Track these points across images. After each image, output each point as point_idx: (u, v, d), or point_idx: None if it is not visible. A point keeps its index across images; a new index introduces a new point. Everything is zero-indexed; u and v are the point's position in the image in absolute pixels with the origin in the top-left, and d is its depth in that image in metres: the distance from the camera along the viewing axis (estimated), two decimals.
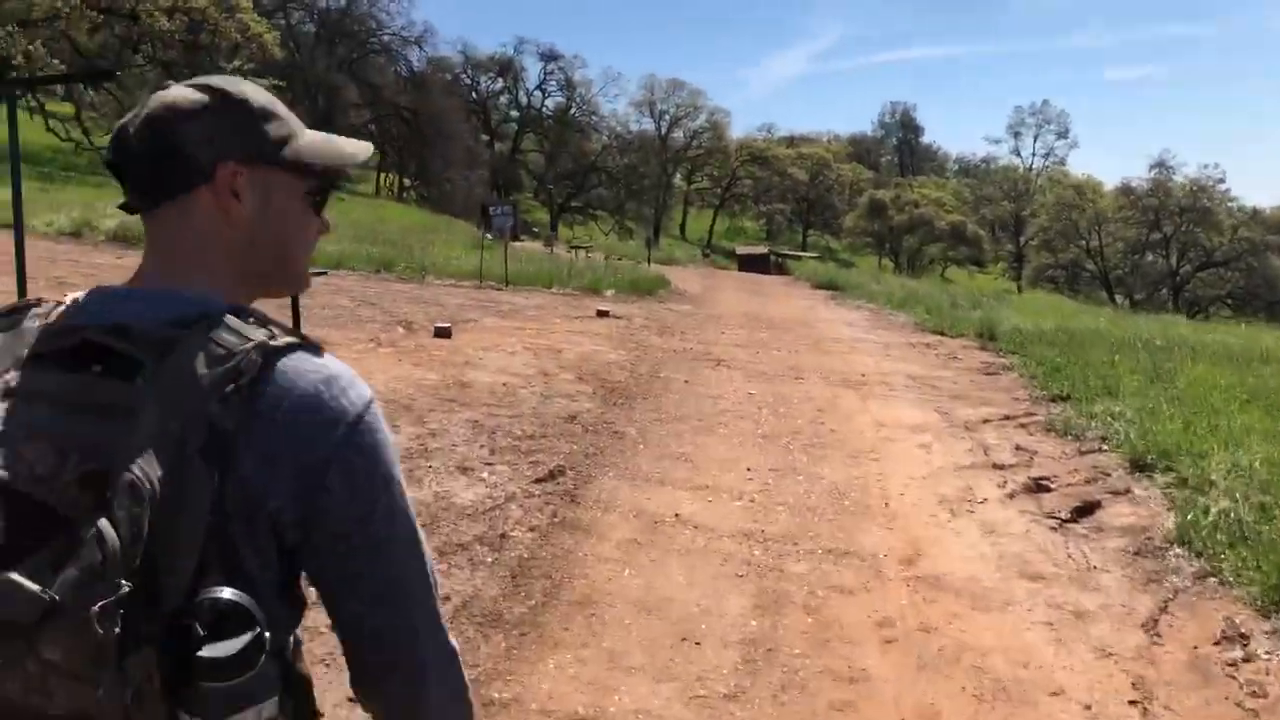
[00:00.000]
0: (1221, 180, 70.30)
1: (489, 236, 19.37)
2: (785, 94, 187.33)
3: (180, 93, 1.11)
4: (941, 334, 15.89)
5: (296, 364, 1.03)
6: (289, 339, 1.04)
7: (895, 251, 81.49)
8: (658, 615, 4.68)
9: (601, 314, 14.50)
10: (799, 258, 63.25)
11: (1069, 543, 6.00)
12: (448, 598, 4.53)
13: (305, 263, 1.24)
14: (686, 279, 29.69)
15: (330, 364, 1.07)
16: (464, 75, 72.90)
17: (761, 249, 65.04)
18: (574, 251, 32.62)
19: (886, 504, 6.61)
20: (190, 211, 1.11)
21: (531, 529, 5.59)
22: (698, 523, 5.98)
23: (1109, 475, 7.51)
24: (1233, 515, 6.32)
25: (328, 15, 57.49)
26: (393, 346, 10.04)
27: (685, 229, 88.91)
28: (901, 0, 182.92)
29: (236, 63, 40.56)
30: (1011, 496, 6.89)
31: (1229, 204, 71.58)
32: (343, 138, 1.24)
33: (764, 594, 5.02)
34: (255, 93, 1.15)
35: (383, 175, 65.00)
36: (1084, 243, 75.57)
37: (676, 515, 6.07)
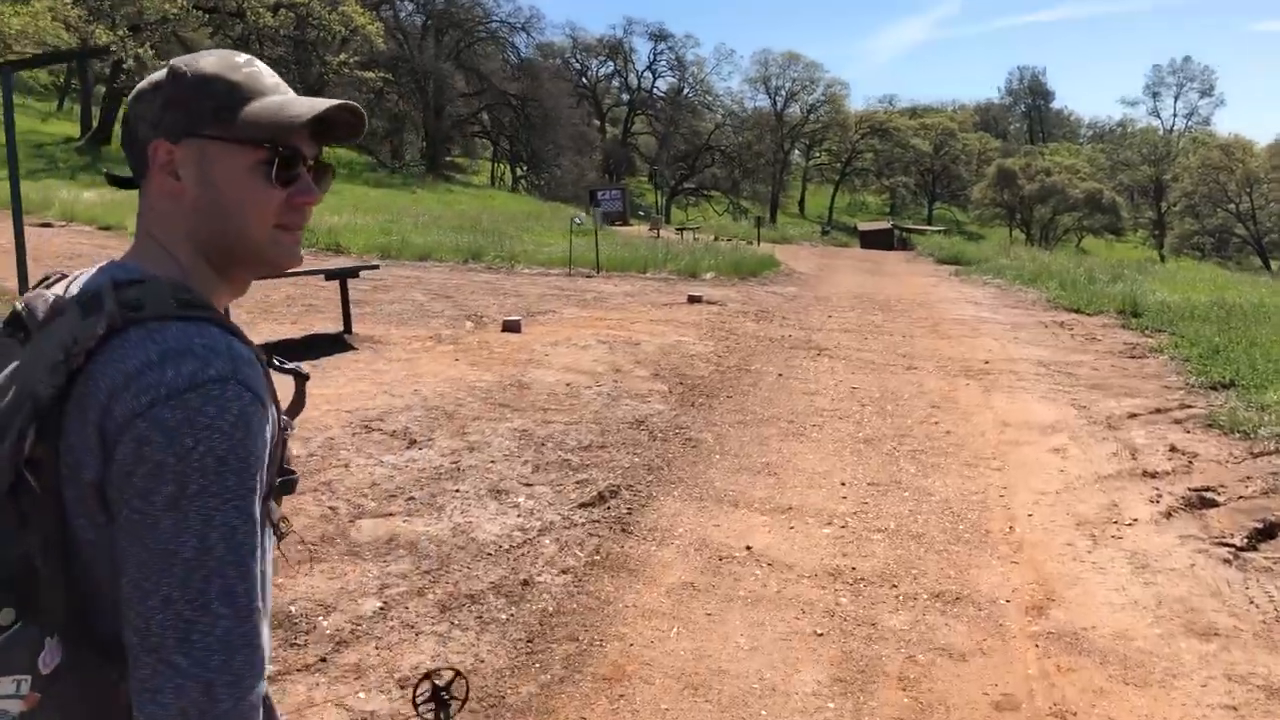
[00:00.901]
0: None
1: (578, 221, 18.43)
2: (906, 64, 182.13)
3: (149, 77, 1.17)
4: (1077, 311, 14.29)
5: (145, 336, 1.03)
6: (164, 312, 1.05)
7: (1026, 222, 78.17)
8: (704, 695, 3.63)
9: (694, 299, 13.40)
10: (923, 232, 61.19)
11: (1249, 581, 4.70)
12: (429, 675, 3.57)
13: (265, 233, 1.16)
14: (799, 258, 28.37)
15: (192, 341, 1.04)
16: (573, 60, 72.54)
17: (884, 224, 62.77)
18: (680, 234, 31.56)
19: (1011, 528, 5.40)
20: (148, 190, 1.17)
21: (564, 571, 4.60)
22: (773, 558, 4.89)
23: None
24: None
25: (434, 5, 57.50)
26: (453, 344, 9.17)
27: (804, 206, 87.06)
28: None
29: (343, 56, 40.74)
30: (1168, 515, 5.58)
31: None
32: (303, 98, 1.17)
33: (848, 661, 3.92)
34: (208, 64, 1.14)
35: (496, 165, 65.13)
36: (1233, 206, 71.42)
37: (748, 548, 4.99)
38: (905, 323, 13.04)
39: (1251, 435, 7.09)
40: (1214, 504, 5.84)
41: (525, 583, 4.43)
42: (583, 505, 5.41)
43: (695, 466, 6.36)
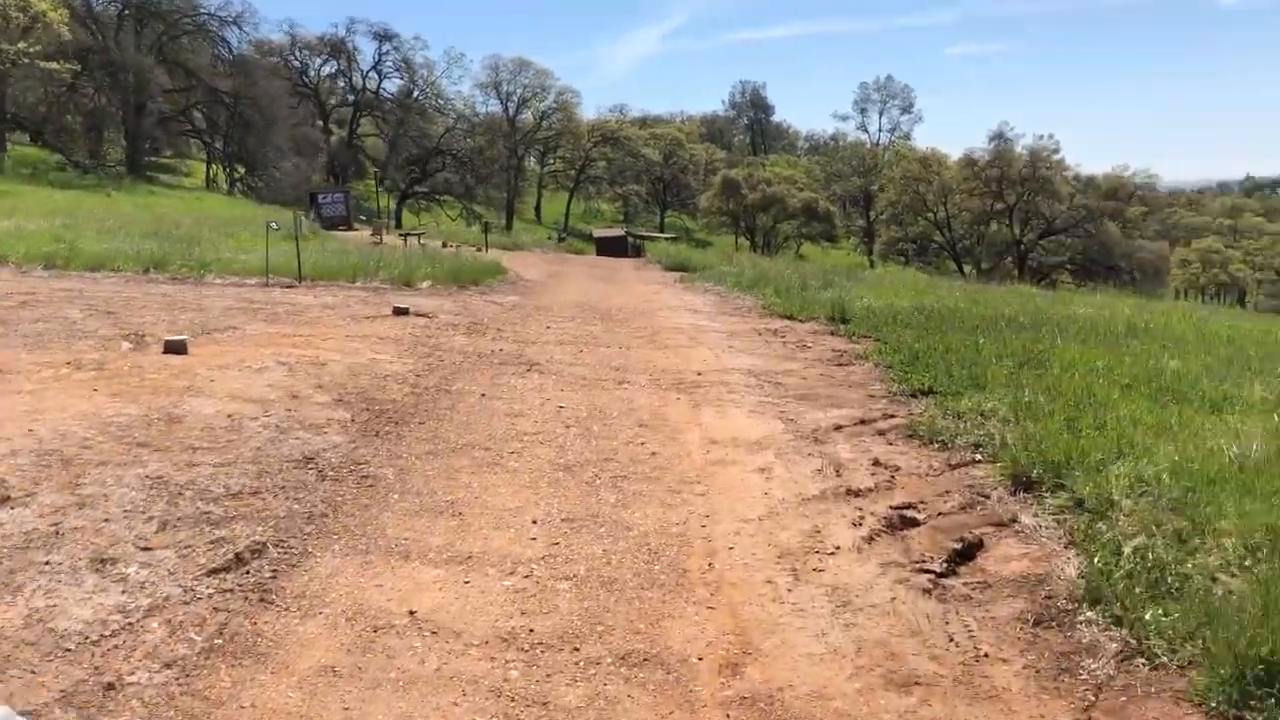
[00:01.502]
0: (1056, 150, 72.18)
1: (275, 226, 17.01)
2: (637, 75, 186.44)
3: None
4: (791, 318, 14.45)
5: None
6: None
7: (750, 230, 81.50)
8: None
9: (400, 311, 12.47)
10: (656, 239, 62.31)
11: (948, 614, 4.42)
12: None
13: None
14: (529, 265, 27.82)
15: None
16: (292, 57, 68.92)
17: (618, 231, 63.40)
18: (405, 239, 30.31)
19: (710, 564, 4.93)
20: None
21: (170, 664, 3.68)
22: (439, 624, 4.17)
23: (987, 497, 6.02)
24: (1150, 555, 4.88)
25: None
26: (97, 370, 7.85)
27: (540, 212, 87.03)
28: None
29: (22, 45, 36.77)
30: (871, 540, 5.30)
31: (1064, 173, 73.49)
32: None
33: None
34: None
35: (210, 166, 60.86)
36: (931, 215, 77.08)
37: (411, 613, 4.25)
38: (624, 333, 12.67)
39: (949, 445, 7.05)
40: (915, 523, 5.63)
41: (110, 686, 3.49)
42: (213, 571, 4.47)
43: (367, 510, 5.54)
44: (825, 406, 8.27)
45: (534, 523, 5.46)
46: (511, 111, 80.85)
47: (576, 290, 19.92)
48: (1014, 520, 5.61)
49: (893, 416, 7.88)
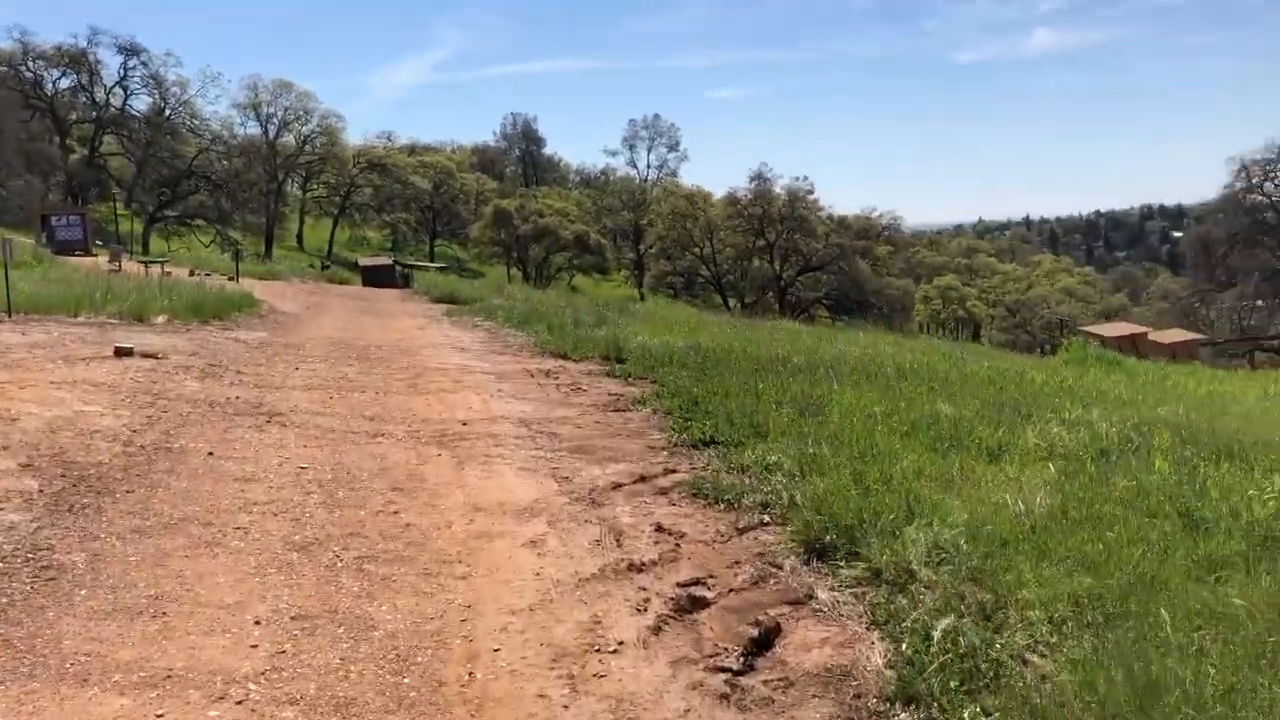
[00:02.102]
0: (811, 191, 75.38)
1: None
2: (406, 103, 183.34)
3: None
4: (564, 357, 13.79)
5: None
6: None
7: (523, 261, 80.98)
8: None
9: (122, 352, 10.95)
10: (425, 268, 60.82)
11: None
12: None
13: None
14: (286, 296, 26.11)
15: None
16: (24, 68, 62.94)
17: (385, 260, 61.33)
18: (146, 267, 27.78)
19: (471, 674, 4.12)
20: None
21: None
22: None
23: (780, 568, 5.49)
24: (960, 639, 4.45)
25: None
26: None
27: (303, 240, 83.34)
28: (518, 14, 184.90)
29: None
30: (658, 630, 4.63)
31: (819, 213, 76.96)
32: None
33: None
34: None
35: None
36: (698, 250, 78.95)
37: None
38: (383, 375, 11.63)
39: (736, 505, 6.53)
40: (705, 603, 5.02)
41: None
42: None
43: (42, 614, 4.40)
44: (603, 461, 7.61)
45: (256, 623, 4.48)
46: (272, 134, 77.09)
47: (334, 325, 18.57)
48: (810, 596, 5.10)
49: (674, 471, 7.30)
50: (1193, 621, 4.61)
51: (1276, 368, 50.41)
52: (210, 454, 7.32)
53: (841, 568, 5.40)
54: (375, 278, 48.33)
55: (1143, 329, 33.48)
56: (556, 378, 11.88)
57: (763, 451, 7.57)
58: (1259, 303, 52.07)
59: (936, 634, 4.45)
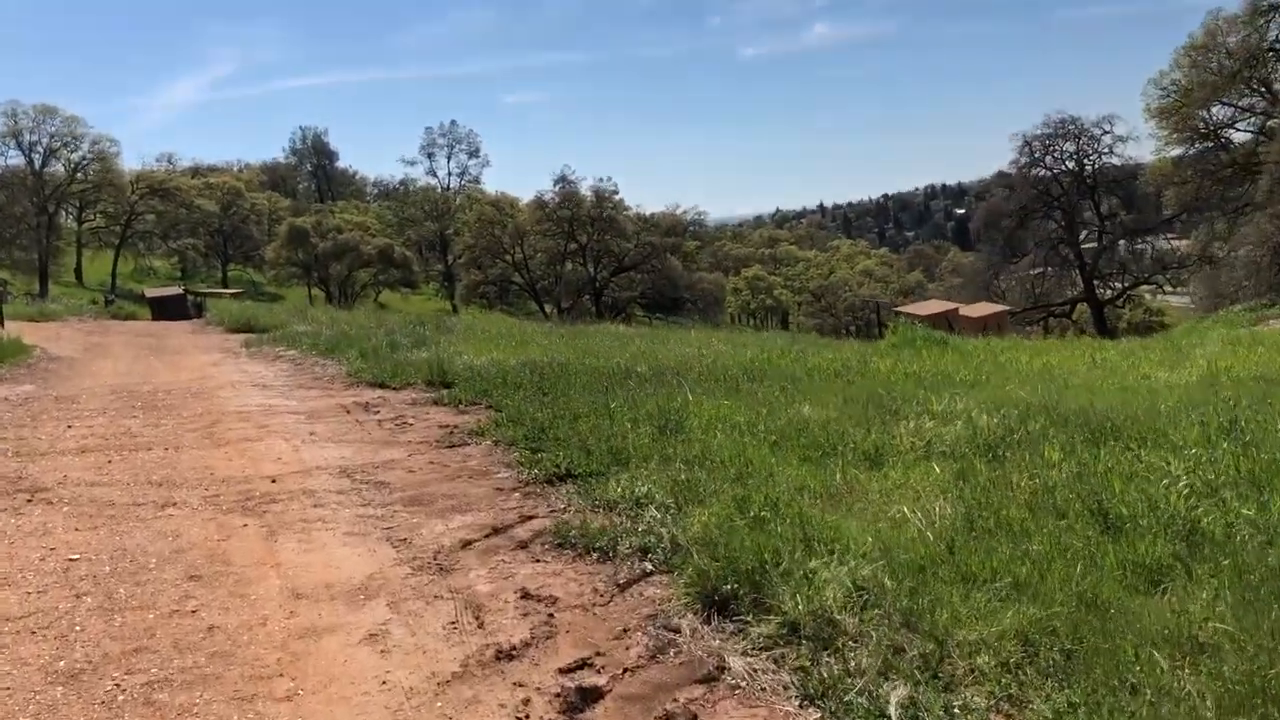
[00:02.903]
0: (616, 191, 75.31)
1: None
2: (186, 124, 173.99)
3: None
4: (383, 386, 12.48)
5: None
6: None
7: (324, 280, 77.85)
8: None
9: None
10: (220, 295, 57.29)
11: None
12: None
13: None
14: (62, 339, 23.55)
15: None
16: None
17: (175, 289, 57.38)
18: None
19: None
20: None
21: None
22: None
23: (677, 632, 4.58)
24: (925, 715, 3.66)
25: None
26: None
27: (82, 274, 77.30)
28: (295, 26, 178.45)
29: None
30: None
31: (626, 212, 77.13)
32: None
33: None
34: None
35: None
36: (509, 257, 77.84)
37: None
38: (173, 425, 10.09)
39: (611, 554, 5.57)
40: (599, 694, 4.06)
41: None
42: None
43: None
44: (445, 512, 6.51)
45: None
46: (37, 163, 71.15)
47: (116, 368, 16.55)
48: (723, 668, 4.21)
49: (532, 518, 6.29)
50: (1164, 653, 3.97)
51: (1066, 333, 53.41)
52: None
53: (750, 624, 4.54)
54: (165, 309, 44.96)
55: (953, 305, 34.48)
56: (377, 411, 10.62)
57: (628, 482, 6.66)
58: (1049, 270, 54.96)
59: (893, 710, 3.64)
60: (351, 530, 6.16)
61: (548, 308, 78.40)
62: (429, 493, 7.00)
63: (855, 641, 4.21)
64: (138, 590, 5.25)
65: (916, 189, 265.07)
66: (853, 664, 4.02)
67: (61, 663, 4.39)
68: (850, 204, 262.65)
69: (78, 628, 4.78)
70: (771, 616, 4.52)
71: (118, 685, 4.17)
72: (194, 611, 4.95)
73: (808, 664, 4.13)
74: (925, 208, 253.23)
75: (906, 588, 4.62)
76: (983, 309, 34.25)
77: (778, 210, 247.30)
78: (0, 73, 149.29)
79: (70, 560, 5.74)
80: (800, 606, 4.48)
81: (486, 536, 5.99)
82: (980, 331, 28.76)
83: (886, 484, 6.64)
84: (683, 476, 6.55)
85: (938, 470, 6.90)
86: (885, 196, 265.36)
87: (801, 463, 7.24)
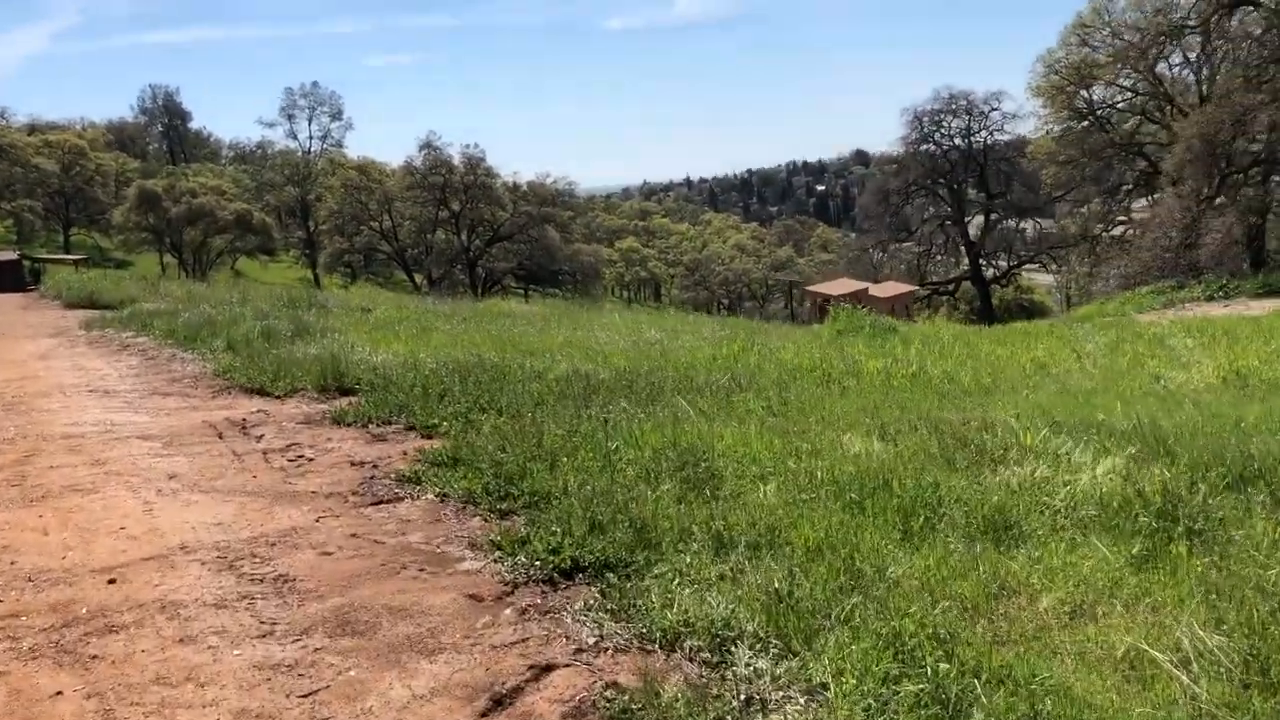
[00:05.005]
0: (483, 158, 72.26)
1: None
2: (21, 77, 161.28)
3: None
4: (263, 393, 9.75)
5: None
6: None
7: (177, 246, 72.62)
8: None
9: None
10: (62, 261, 52.21)
11: None
12: None
13: None
14: None
15: None
16: None
17: (10, 255, 51.89)
18: None
19: None
20: None
21: None
22: None
23: None
24: None
25: None
26: None
27: None
28: None
29: None
30: None
31: (497, 180, 74.27)
32: None
33: None
34: None
35: None
36: (376, 224, 74.33)
37: None
38: None
39: None
40: None
41: None
42: None
43: None
44: (398, 652, 4.01)
45: None
46: None
47: None
48: None
49: (551, 668, 3.84)
50: None
51: (952, 313, 53.06)
52: None
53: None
54: (0, 279, 40.04)
55: (862, 285, 33.02)
56: (259, 435, 7.94)
57: (676, 586, 4.32)
58: (933, 248, 54.47)
59: None
60: (247, 706, 3.61)
61: (418, 278, 74.76)
62: (363, 604, 4.47)
63: None
64: None
65: (779, 165, 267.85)
66: None
67: None
68: (715, 178, 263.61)
69: None
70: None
71: None
72: None
73: None
74: (788, 184, 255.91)
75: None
76: (890, 289, 32.96)
77: (645, 183, 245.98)
78: None
79: None
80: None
81: (491, 700, 3.56)
82: (889, 311, 27.32)
83: (1055, 585, 4.48)
84: (772, 584, 4.24)
85: (1107, 554, 4.80)
86: (749, 172, 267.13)
87: (902, 539, 5.04)
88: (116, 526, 5.58)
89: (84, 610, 4.40)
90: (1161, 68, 46.61)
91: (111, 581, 4.73)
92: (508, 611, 4.34)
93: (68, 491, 6.34)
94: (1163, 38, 43.55)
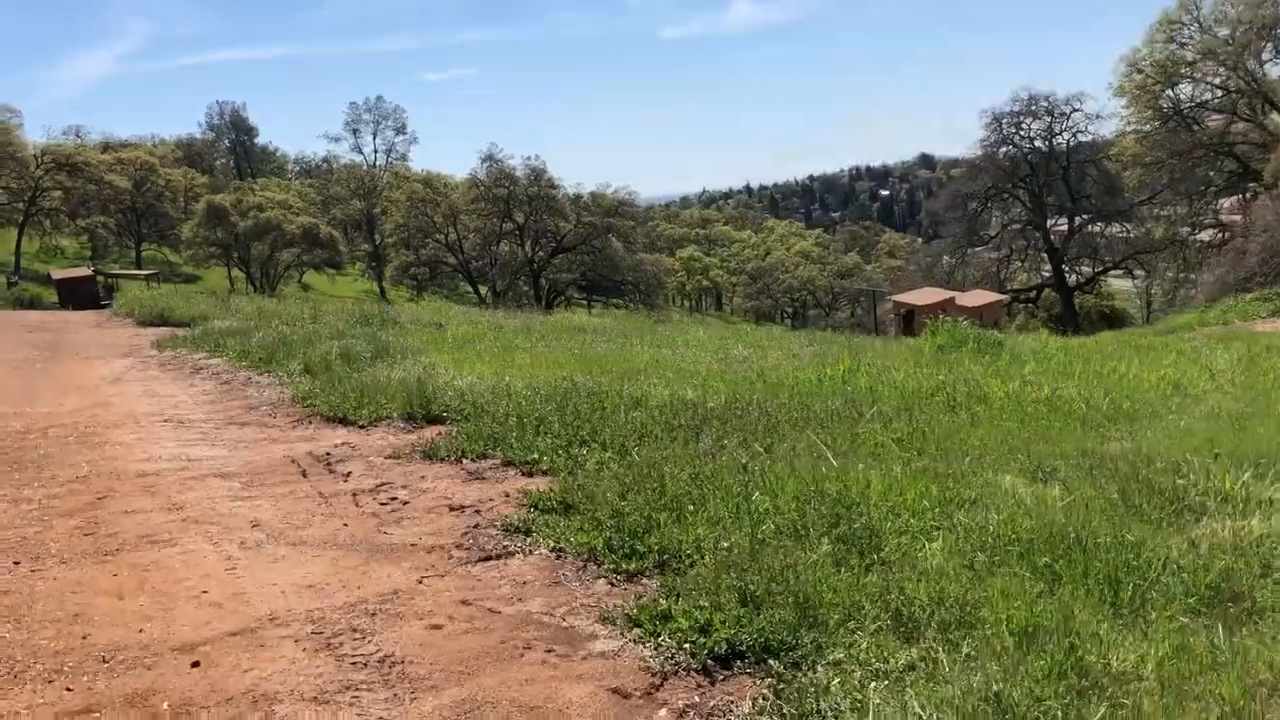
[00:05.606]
0: (545, 170, 72.26)
1: None
2: (95, 97, 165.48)
3: None
4: (345, 422, 9.15)
5: None
6: None
7: (245, 260, 73.24)
8: None
9: None
10: (135, 276, 52.99)
11: None
12: None
13: None
14: None
15: None
16: None
17: (84, 271, 52.83)
18: None
19: None
20: None
21: None
22: None
23: None
24: None
25: None
26: None
27: None
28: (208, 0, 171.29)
29: None
30: None
31: (559, 190, 74.04)
32: None
33: None
34: None
35: None
36: (442, 237, 74.40)
37: None
38: (39, 503, 6.68)
39: None
40: None
41: None
42: None
43: None
44: None
45: None
46: None
47: None
48: None
49: None
50: None
51: (1025, 320, 51.45)
52: None
53: None
54: (75, 294, 40.67)
55: (949, 294, 31.87)
56: (347, 474, 7.31)
57: (864, 684, 3.55)
58: (1013, 254, 52.89)
59: None
60: None
61: (482, 290, 74.67)
62: (487, 698, 3.76)
63: None
64: None
65: (841, 170, 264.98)
66: None
67: None
68: (776, 185, 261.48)
69: None
70: None
71: None
72: None
73: None
74: (851, 189, 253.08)
75: None
76: (978, 297, 31.73)
77: (704, 191, 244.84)
78: None
79: None
80: None
81: None
82: (977, 320, 26.19)
83: None
84: (990, 686, 3.45)
85: None
86: (810, 178, 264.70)
87: (1102, 618, 4.21)
88: (198, 589, 4.95)
89: (165, 705, 3.75)
90: (1254, 64, 44.72)
91: (195, 665, 4.08)
92: (662, 713, 3.60)
93: (144, 543, 5.74)
94: (1265, 29, 41.68)
